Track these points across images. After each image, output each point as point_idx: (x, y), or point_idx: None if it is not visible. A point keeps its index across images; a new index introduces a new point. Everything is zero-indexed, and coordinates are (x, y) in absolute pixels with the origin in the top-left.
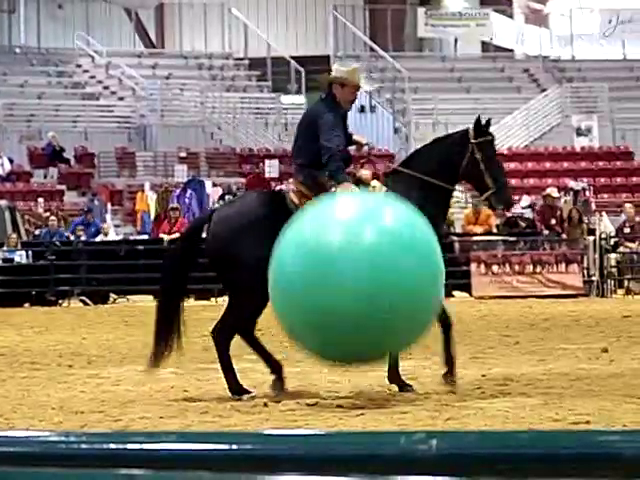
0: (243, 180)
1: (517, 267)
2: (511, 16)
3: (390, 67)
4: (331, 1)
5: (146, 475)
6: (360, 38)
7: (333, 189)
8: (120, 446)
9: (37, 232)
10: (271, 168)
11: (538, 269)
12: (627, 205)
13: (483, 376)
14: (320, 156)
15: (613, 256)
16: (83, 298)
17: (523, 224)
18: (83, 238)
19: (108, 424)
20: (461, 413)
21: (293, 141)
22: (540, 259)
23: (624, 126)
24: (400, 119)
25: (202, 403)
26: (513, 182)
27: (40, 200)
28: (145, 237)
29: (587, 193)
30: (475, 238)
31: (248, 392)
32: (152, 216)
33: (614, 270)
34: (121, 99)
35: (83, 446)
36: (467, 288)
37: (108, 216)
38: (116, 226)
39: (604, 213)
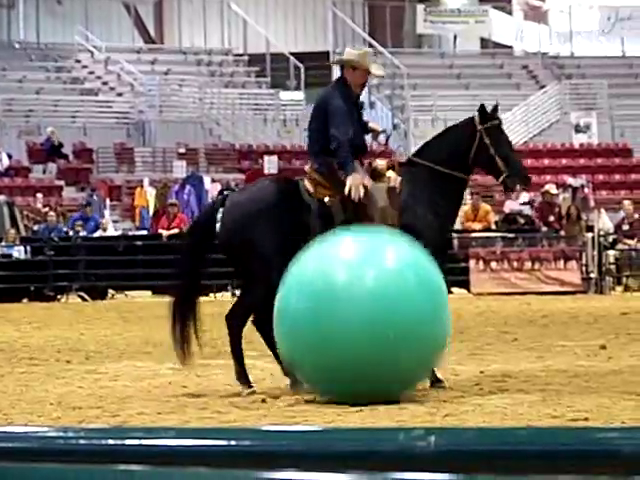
0: (242, 176)
1: (516, 264)
2: (510, 13)
3: (389, 63)
4: None
5: (144, 471)
6: (359, 34)
7: (343, 178)
8: (118, 442)
9: (35, 227)
10: (270, 164)
11: (537, 266)
12: (626, 202)
13: (481, 372)
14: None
15: (612, 253)
16: (81, 294)
17: (522, 221)
18: (82, 233)
19: (106, 420)
20: (459, 409)
21: (308, 125)
22: (538, 256)
23: (623, 123)
24: (399, 115)
25: (200, 399)
26: None
27: (39, 195)
28: (144, 233)
29: (586, 190)
30: (474, 235)
31: (250, 385)
32: (151, 212)
33: (612, 267)
34: (120, 95)
35: (81, 442)
36: (466, 284)
37: (107, 212)
38: (114, 222)
39: (603, 210)
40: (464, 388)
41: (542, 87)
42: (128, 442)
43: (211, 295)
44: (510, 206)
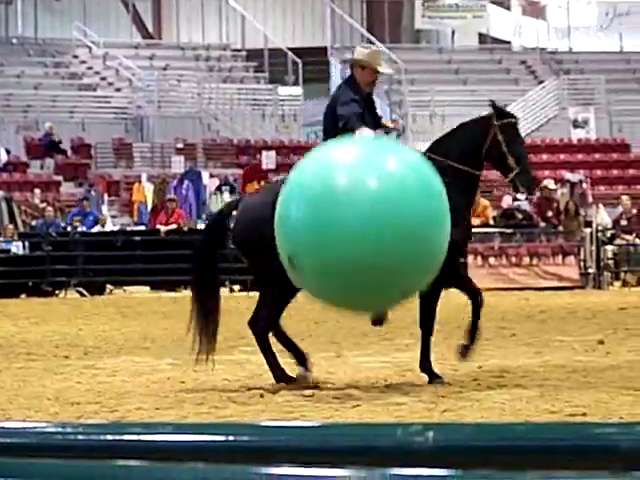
0: (240, 171)
1: (514, 259)
2: (508, 8)
3: (387, 59)
4: None
5: (142, 466)
6: (357, 30)
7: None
8: (116, 437)
9: (34, 223)
10: (268, 159)
11: (535, 261)
12: (624, 197)
13: (479, 368)
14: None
15: (610, 248)
16: (79, 289)
17: (520, 216)
18: (81, 229)
19: (104, 415)
20: (457, 405)
21: (322, 122)
22: (537, 251)
23: (621, 118)
24: (397, 111)
25: (198, 394)
26: None
27: (37, 191)
28: (142, 228)
29: (584, 185)
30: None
31: (291, 379)
32: (149, 207)
33: (611, 262)
34: (118, 90)
35: (79, 437)
36: None
37: (105, 207)
38: (113, 217)
39: (601, 205)
40: (462, 383)
41: (540, 82)
42: (126, 437)
43: None
44: (508, 201)
